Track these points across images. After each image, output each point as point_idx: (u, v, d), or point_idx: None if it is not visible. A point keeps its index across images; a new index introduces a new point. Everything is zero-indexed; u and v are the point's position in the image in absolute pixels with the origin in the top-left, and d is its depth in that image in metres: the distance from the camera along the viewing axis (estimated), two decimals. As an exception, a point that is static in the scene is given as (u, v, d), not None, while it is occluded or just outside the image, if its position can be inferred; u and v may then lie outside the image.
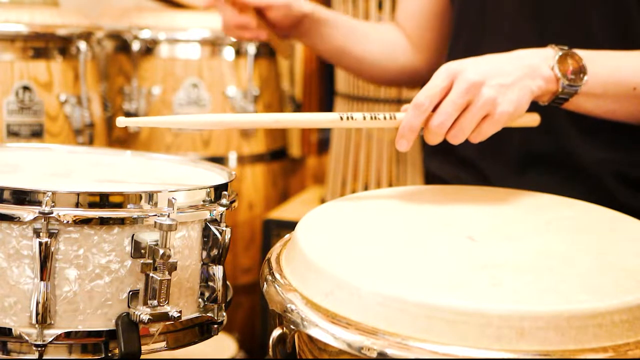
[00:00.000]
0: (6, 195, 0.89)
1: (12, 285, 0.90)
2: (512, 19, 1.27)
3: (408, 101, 1.01)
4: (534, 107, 1.12)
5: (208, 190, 0.98)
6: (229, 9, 1.32)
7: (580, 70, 1.05)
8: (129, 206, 0.91)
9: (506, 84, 1.00)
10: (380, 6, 1.82)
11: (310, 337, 0.76)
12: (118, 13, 2.08)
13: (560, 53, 1.05)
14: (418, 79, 1.50)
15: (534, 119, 1.13)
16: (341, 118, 1.01)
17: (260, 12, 1.35)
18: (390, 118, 1.02)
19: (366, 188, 1.87)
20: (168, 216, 0.90)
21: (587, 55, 1.07)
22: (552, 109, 1.11)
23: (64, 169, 1.12)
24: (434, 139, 1.01)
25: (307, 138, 2.35)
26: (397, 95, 1.86)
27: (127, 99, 1.95)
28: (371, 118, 1.02)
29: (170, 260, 0.90)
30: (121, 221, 0.91)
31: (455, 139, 1.01)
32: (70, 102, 1.62)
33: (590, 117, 1.14)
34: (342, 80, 1.94)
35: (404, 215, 0.98)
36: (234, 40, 1.94)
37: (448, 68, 1.01)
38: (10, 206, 0.89)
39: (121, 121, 0.97)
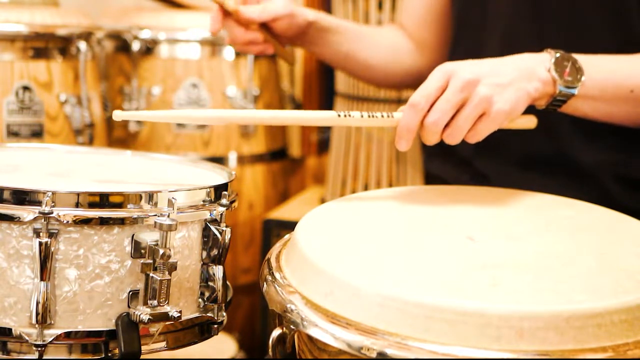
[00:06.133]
0: (6, 195, 0.89)
1: (12, 285, 0.90)
2: (510, 20, 1.27)
3: (408, 101, 1.02)
4: (533, 111, 1.11)
5: (208, 190, 0.98)
6: (235, 26, 1.33)
7: (577, 72, 1.05)
8: (129, 206, 0.91)
9: (502, 83, 1.00)
10: (380, 6, 1.82)
11: (310, 337, 0.76)
12: (118, 13, 2.08)
13: (557, 55, 1.05)
14: (422, 81, 1.50)
15: (530, 120, 1.13)
16: (339, 115, 1.01)
17: (265, 25, 1.35)
18: (388, 117, 1.03)
19: (366, 188, 1.87)
20: (168, 216, 0.90)
21: (583, 59, 1.07)
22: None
23: (64, 169, 1.12)
24: (430, 139, 1.01)
25: (307, 138, 2.35)
26: (396, 96, 1.85)
27: (127, 99, 1.95)
28: (369, 116, 1.02)
29: (170, 260, 0.90)
30: (121, 221, 0.91)
31: (452, 139, 1.01)
32: (70, 102, 1.62)
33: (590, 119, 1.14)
34: (342, 80, 1.94)
35: (404, 215, 0.98)
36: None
37: (443, 68, 1.01)
38: (10, 206, 0.89)
39: (117, 114, 0.97)
